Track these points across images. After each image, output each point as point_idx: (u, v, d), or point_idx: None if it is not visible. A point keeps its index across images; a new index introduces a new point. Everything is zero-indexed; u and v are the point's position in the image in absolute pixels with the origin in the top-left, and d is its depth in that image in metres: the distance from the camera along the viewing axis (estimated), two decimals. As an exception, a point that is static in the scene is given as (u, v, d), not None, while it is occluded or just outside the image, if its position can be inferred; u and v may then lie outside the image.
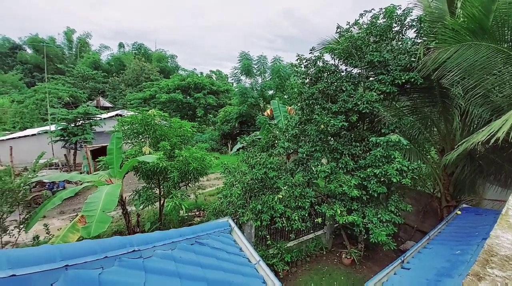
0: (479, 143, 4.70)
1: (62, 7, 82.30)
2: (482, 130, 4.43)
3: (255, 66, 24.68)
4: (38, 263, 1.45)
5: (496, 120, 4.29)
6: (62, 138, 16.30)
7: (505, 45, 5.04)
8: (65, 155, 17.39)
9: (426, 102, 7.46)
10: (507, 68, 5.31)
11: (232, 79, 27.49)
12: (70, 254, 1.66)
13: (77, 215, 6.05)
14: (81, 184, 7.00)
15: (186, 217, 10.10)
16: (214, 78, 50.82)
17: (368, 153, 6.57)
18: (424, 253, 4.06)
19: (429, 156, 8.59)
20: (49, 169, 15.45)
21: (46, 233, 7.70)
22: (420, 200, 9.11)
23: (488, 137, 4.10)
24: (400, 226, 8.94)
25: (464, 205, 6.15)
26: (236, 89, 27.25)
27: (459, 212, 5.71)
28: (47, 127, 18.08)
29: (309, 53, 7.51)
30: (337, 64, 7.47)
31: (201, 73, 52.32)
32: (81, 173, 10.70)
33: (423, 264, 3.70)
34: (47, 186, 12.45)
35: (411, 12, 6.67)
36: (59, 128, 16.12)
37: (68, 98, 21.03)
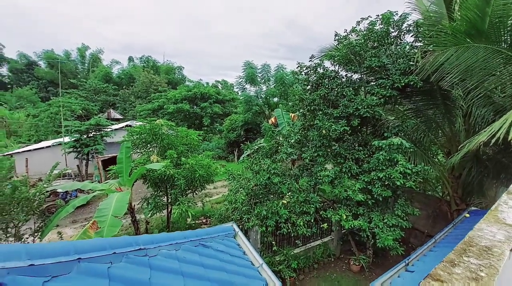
0: (484, 144, 4.69)
1: (76, 23, 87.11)
2: (484, 131, 4.44)
3: (259, 75, 25.12)
4: (54, 256, 1.61)
5: (498, 120, 4.30)
6: (75, 149, 16.92)
7: (504, 46, 5.08)
8: (77, 165, 17.98)
9: (429, 104, 7.46)
10: (507, 68, 5.32)
11: (237, 88, 28.01)
12: (82, 249, 1.82)
13: (89, 223, 6.29)
14: (92, 192, 7.28)
15: (194, 224, 10.21)
16: (219, 87, 51.82)
17: (372, 157, 6.58)
18: (430, 256, 4.03)
19: (436, 159, 8.49)
20: (62, 179, 15.98)
21: (60, 240, 7.95)
22: (429, 204, 8.94)
23: (489, 137, 4.11)
24: (410, 231, 8.75)
25: (473, 208, 6.03)
26: (241, 98, 27.69)
27: (467, 215, 5.61)
28: (61, 139, 18.82)
29: (309, 60, 7.70)
30: (337, 70, 7.62)
31: (207, 83, 53.52)
32: (93, 182, 11.08)
33: (428, 267, 3.67)
34: (60, 196, 12.88)
35: (408, 17, 6.81)
36: (72, 139, 16.77)
37: (80, 111, 21.91)
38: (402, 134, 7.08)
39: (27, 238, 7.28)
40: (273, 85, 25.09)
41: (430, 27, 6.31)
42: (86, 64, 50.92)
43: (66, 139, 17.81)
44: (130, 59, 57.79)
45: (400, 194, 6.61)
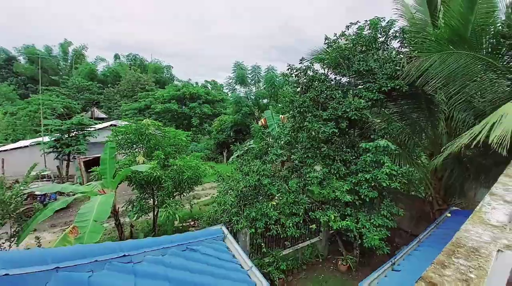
0: (465, 147, 4.88)
1: (65, 19, 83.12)
2: (465, 134, 4.62)
3: (250, 76, 25.14)
4: (30, 265, 1.49)
5: (478, 124, 4.48)
6: (55, 149, 16.12)
7: (484, 53, 5.33)
8: (57, 166, 17.14)
9: (414, 108, 7.72)
10: (487, 74, 5.59)
11: (227, 89, 27.89)
12: (61, 257, 1.69)
13: (69, 227, 5.98)
14: (73, 195, 6.94)
15: (181, 227, 9.98)
16: (209, 88, 51.38)
17: (359, 158, 6.71)
18: (414, 255, 4.13)
19: (419, 161, 8.78)
20: (41, 181, 15.19)
21: (38, 246, 7.53)
22: (413, 205, 9.22)
23: (471, 140, 4.27)
24: (395, 231, 8.98)
25: (454, 208, 6.27)
26: (231, 99, 27.57)
27: (448, 215, 5.82)
28: (39, 139, 17.90)
29: (299, 63, 7.76)
30: (327, 73, 7.73)
31: (196, 83, 52.93)
32: (74, 185, 10.60)
33: (413, 266, 3.76)
34: (38, 199, 12.21)
35: (395, 23, 7.03)
36: (52, 139, 15.97)
37: (62, 110, 20.97)
38: (388, 136, 7.27)
39: (3, 243, 6.84)
40: (263, 87, 25.17)
41: (416, 34, 6.54)
42: (69, 61, 48.82)
43: (46, 139, 16.96)
44: (116, 56, 56.09)
45: (385, 195, 6.78)
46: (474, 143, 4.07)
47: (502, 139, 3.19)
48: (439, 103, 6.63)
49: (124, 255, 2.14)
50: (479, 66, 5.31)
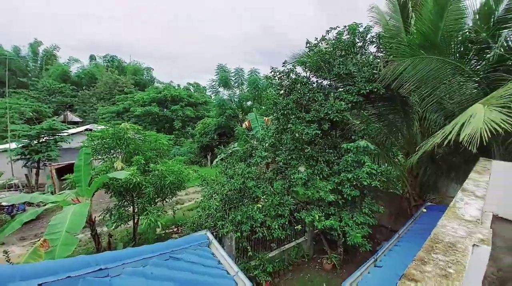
0: (437, 145, 5.18)
1: (38, 19, 76.84)
2: (437, 134, 4.91)
3: (233, 78, 25.08)
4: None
5: (449, 124, 4.78)
6: (23, 156, 14.96)
7: (452, 57, 5.72)
8: (26, 175, 15.90)
9: (390, 110, 8.09)
10: (455, 77, 5.99)
11: (210, 91, 27.61)
12: (30, 274, 1.53)
13: (39, 240, 5.53)
14: (44, 205, 6.46)
15: (164, 234, 9.63)
16: (191, 90, 50.51)
17: (341, 159, 6.90)
18: (395, 250, 4.29)
19: (396, 160, 9.21)
20: (7, 190, 14.03)
21: (6, 261, 6.91)
22: (392, 202, 9.62)
23: (442, 139, 4.54)
24: (376, 228, 9.30)
25: (429, 203, 6.62)
26: (214, 101, 27.32)
27: (424, 210, 6.14)
28: (6, 146, 16.55)
29: (282, 66, 7.86)
30: (309, 76, 7.90)
31: (178, 85, 51.83)
32: (44, 194, 9.86)
33: (394, 262, 3.90)
34: (5, 210, 11.28)
35: (371, 29, 7.35)
36: (19, 146, 14.81)
37: (31, 114, 19.55)
38: (367, 137, 7.55)
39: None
40: (246, 89, 25.19)
41: (390, 39, 6.87)
42: (39, 62, 45.76)
43: (13, 145, 15.70)
44: (92, 57, 53.46)
45: (366, 193, 7.01)
46: (446, 141, 4.32)
47: (472, 138, 3.42)
48: (413, 105, 7.00)
49: (101, 269, 1.99)
50: (448, 70, 5.68)
